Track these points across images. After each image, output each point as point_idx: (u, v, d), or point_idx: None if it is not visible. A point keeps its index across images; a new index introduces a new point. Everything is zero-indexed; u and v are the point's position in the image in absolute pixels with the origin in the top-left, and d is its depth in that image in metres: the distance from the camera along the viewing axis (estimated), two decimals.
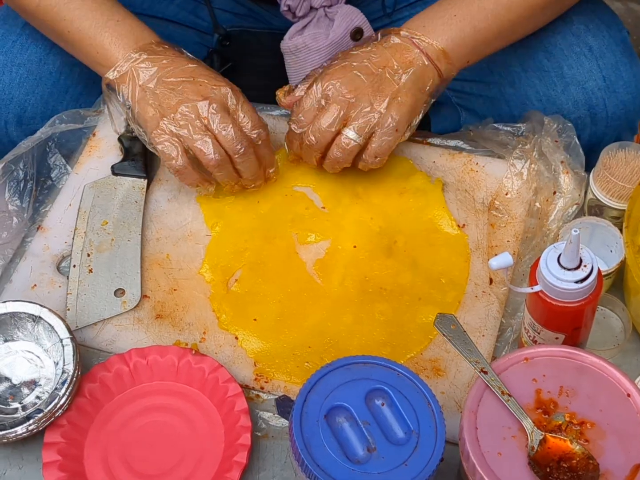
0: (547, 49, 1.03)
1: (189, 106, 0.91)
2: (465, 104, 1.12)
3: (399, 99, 0.92)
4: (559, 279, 0.76)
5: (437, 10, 0.96)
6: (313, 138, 0.93)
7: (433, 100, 0.96)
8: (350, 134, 0.92)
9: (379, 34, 0.97)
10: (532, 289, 0.78)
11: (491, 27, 0.95)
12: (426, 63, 0.94)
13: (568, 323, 0.79)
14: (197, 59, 0.97)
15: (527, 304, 0.81)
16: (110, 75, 0.94)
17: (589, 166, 0.97)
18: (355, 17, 1.08)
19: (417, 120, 0.95)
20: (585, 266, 0.76)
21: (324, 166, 0.97)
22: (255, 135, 0.93)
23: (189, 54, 0.97)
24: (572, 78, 1.02)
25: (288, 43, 1.10)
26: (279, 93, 1.00)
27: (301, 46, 1.09)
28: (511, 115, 1.06)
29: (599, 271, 0.77)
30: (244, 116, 0.92)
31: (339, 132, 0.93)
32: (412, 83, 0.93)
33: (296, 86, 0.98)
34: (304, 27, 1.09)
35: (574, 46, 1.02)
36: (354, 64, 0.93)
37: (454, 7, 0.95)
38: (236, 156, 0.92)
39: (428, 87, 0.94)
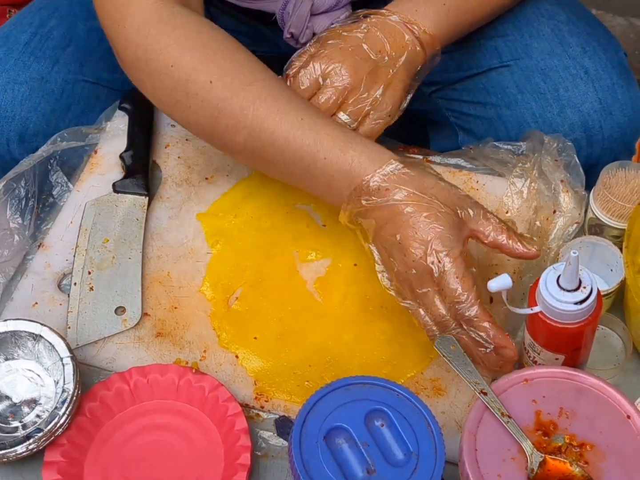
0: (544, 71, 1.04)
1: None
2: (463, 125, 1.12)
3: (393, 84, 0.93)
4: (558, 300, 0.76)
5: None
6: None
7: (417, 83, 0.97)
8: (343, 118, 0.92)
9: (365, 14, 0.96)
10: (531, 310, 0.78)
11: (473, 20, 0.99)
12: (418, 49, 0.94)
13: (568, 344, 0.79)
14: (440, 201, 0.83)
15: (526, 325, 0.81)
16: (377, 179, 0.82)
17: (587, 186, 0.97)
18: None
19: (405, 105, 0.96)
20: (584, 287, 0.76)
21: None
22: (489, 346, 0.80)
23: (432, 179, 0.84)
24: (568, 100, 1.02)
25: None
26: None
27: None
28: (508, 137, 1.06)
29: (599, 292, 0.77)
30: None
31: (333, 115, 0.93)
32: (404, 69, 0.94)
33: (289, 65, 0.95)
34: None
35: (570, 68, 1.03)
36: (351, 47, 0.93)
37: None
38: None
39: (416, 73, 0.96)
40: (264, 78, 0.89)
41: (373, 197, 0.83)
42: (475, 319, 0.79)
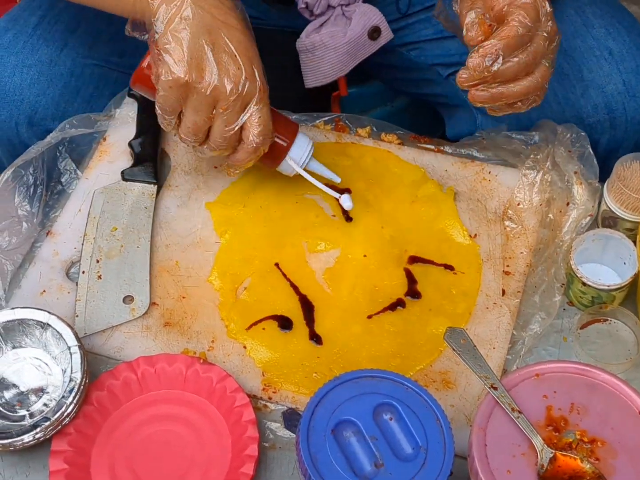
0: (567, 52, 1.02)
1: (211, 92, 0.82)
2: (482, 107, 1.10)
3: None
4: None
5: None
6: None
7: None
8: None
9: None
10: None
11: None
12: None
13: None
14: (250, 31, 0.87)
15: None
16: None
17: (607, 173, 0.96)
18: (373, 16, 1.08)
19: None
20: None
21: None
22: (257, 140, 0.86)
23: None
24: (591, 81, 1.01)
25: (305, 41, 1.08)
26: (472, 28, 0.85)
27: (318, 44, 1.08)
28: (528, 119, 1.04)
29: None
30: (256, 121, 0.85)
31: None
32: None
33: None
34: (321, 25, 1.08)
35: (594, 49, 1.02)
36: None
37: None
38: (215, 145, 0.87)
39: None
40: None
41: None
42: None
